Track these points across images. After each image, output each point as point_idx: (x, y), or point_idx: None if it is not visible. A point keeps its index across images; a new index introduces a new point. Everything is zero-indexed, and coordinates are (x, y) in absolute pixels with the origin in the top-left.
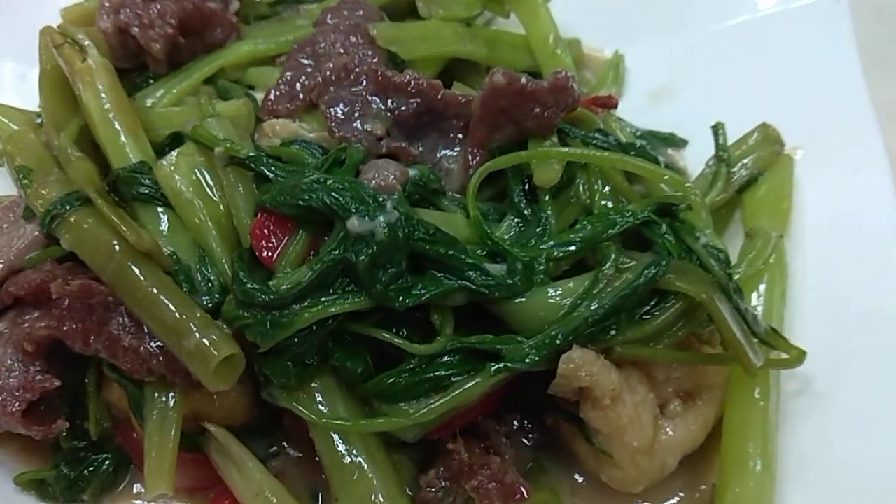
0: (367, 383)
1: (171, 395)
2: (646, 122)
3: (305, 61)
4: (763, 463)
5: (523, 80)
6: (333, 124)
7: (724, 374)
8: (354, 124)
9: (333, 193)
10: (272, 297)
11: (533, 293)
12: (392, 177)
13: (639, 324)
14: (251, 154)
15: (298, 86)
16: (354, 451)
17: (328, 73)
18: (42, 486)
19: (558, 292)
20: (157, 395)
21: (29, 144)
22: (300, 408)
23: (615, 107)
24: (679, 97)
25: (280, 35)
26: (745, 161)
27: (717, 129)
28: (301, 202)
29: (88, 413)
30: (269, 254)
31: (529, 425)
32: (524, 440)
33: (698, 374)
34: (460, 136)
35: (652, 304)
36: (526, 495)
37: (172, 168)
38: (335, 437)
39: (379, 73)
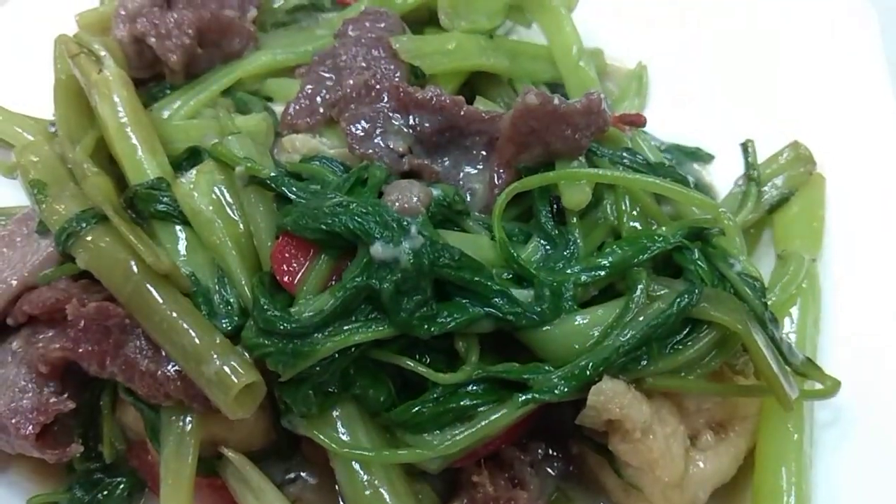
0: (389, 412)
1: (188, 419)
2: (669, 134)
3: (326, 74)
4: (797, 497)
5: (556, 100)
6: (354, 142)
7: (757, 404)
8: (376, 141)
9: (357, 218)
10: (294, 325)
11: (561, 321)
12: (416, 199)
13: (671, 354)
14: (273, 174)
15: (319, 100)
16: (376, 482)
17: (349, 90)
18: None
19: (587, 320)
20: (173, 419)
21: (43, 157)
22: (321, 436)
23: (643, 125)
24: (703, 109)
25: (299, 45)
26: (776, 180)
27: (746, 147)
28: (324, 226)
29: (102, 435)
30: (290, 278)
31: (554, 454)
32: (549, 469)
33: (730, 405)
34: (483, 152)
35: (684, 333)
36: None
37: (191, 186)
38: (356, 466)
39: (401, 89)
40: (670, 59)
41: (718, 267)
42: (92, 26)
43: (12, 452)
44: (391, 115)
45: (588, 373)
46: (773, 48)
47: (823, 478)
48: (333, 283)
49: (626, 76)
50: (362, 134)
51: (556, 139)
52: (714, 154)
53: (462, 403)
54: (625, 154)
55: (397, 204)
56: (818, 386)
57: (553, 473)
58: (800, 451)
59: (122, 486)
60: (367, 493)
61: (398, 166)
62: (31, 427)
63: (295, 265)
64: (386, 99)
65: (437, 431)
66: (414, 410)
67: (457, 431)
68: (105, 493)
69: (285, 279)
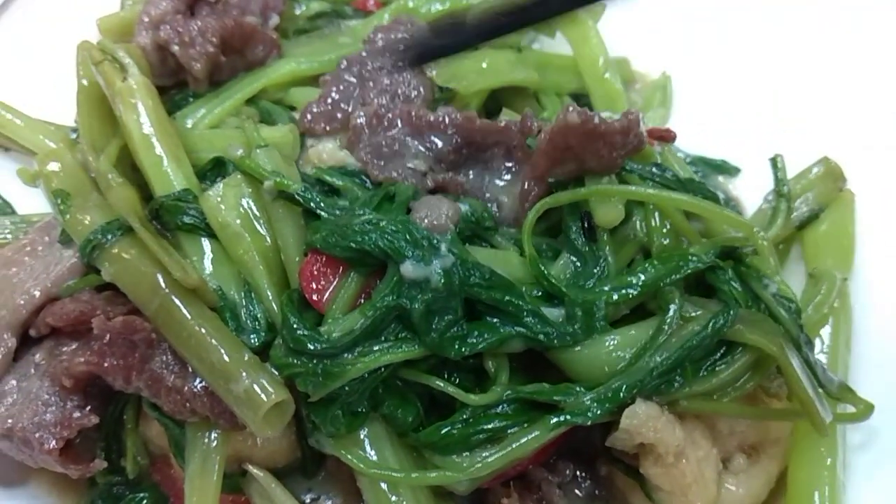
0: (418, 433)
1: (214, 436)
2: (693, 146)
3: (351, 80)
4: None
5: (596, 119)
6: (375, 170)
7: (789, 426)
8: (395, 165)
9: (387, 236)
10: (324, 345)
11: (593, 341)
12: (445, 216)
13: (705, 376)
14: (301, 190)
15: (342, 106)
16: (404, 502)
17: (359, 120)
18: None
19: (620, 341)
20: (199, 435)
21: (66, 165)
22: (349, 456)
23: (673, 140)
24: (728, 121)
25: (323, 54)
26: (806, 196)
27: (776, 162)
28: (353, 244)
29: (125, 449)
30: (319, 297)
31: (582, 475)
32: (576, 490)
33: (763, 428)
34: (506, 163)
35: (719, 355)
36: None
37: (219, 199)
38: (384, 486)
39: (413, 114)
40: (695, 69)
41: (752, 287)
42: (112, 31)
43: (35, 466)
44: (406, 139)
45: (622, 395)
46: (801, 59)
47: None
48: (362, 301)
49: (651, 86)
50: (382, 162)
51: (592, 156)
52: (740, 167)
53: (492, 425)
54: (654, 169)
55: (426, 220)
56: (851, 409)
57: (581, 495)
58: (833, 475)
59: (144, 501)
60: None
61: (423, 184)
62: (53, 442)
63: (324, 283)
64: (399, 124)
65: (467, 453)
66: (443, 432)
67: (486, 453)
68: None
69: (314, 297)
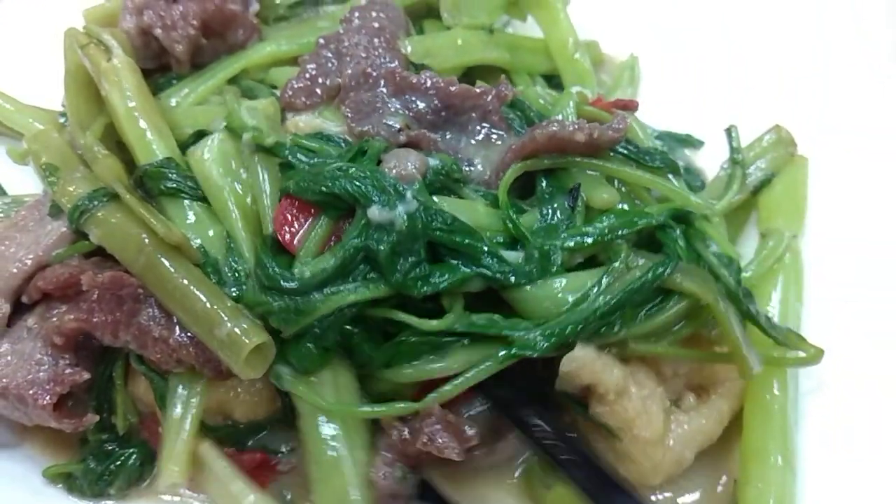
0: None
1: (195, 386)
2: (660, 122)
3: (329, 56)
4: (783, 458)
5: (581, 135)
6: (352, 120)
7: (735, 370)
8: (372, 120)
9: (355, 182)
10: (296, 283)
11: (545, 282)
12: (412, 166)
13: (643, 320)
14: (276, 141)
15: (319, 80)
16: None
17: (348, 79)
18: (70, 479)
19: (568, 283)
20: (180, 386)
21: (53, 143)
22: (308, 392)
23: (636, 110)
24: (692, 97)
25: (302, 37)
26: (759, 163)
27: (730, 132)
28: (324, 188)
29: (115, 407)
30: (291, 238)
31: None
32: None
33: (710, 370)
34: (480, 127)
35: (657, 301)
36: (475, 440)
37: (204, 153)
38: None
39: (396, 74)
40: (660, 51)
41: (696, 247)
42: (98, 22)
43: (30, 424)
44: (388, 98)
45: (567, 332)
46: (755, 36)
47: (811, 442)
48: (332, 243)
49: (619, 67)
50: (360, 116)
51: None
52: (703, 140)
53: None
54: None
55: (394, 171)
56: (802, 354)
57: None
58: (784, 415)
59: (134, 456)
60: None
61: (396, 140)
62: (48, 397)
63: (296, 226)
64: (383, 84)
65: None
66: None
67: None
68: (118, 463)
69: (286, 238)
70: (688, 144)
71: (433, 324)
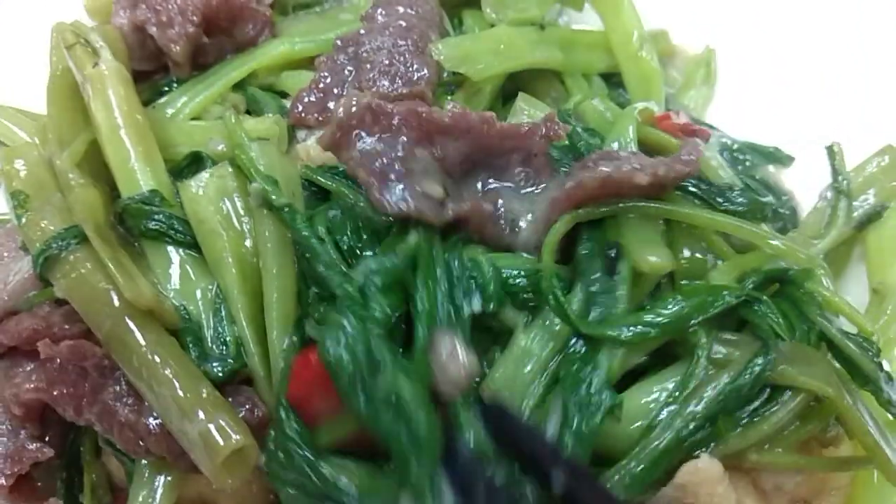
0: None
1: (166, 476)
2: (739, 129)
3: (345, 61)
4: None
5: (638, 177)
6: (377, 192)
7: (849, 474)
8: (404, 190)
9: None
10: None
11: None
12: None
13: (747, 427)
14: (286, 204)
15: (335, 91)
16: None
17: (340, 112)
18: None
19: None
20: (147, 475)
21: (31, 162)
22: None
23: (708, 140)
24: (779, 103)
25: (320, 32)
26: (868, 192)
27: (832, 151)
28: (363, 412)
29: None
30: (309, 420)
31: None
32: None
33: (818, 480)
34: (523, 171)
35: (760, 401)
36: None
37: (200, 190)
38: None
39: (423, 114)
40: (742, 43)
41: (808, 316)
42: (99, 12)
43: None
44: (412, 147)
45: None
46: (864, 35)
47: None
48: None
49: (692, 62)
50: (382, 177)
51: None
52: (794, 156)
53: None
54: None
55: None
56: None
57: None
58: None
59: None
60: None
61: (441, 217)
62: (2, 479)
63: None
64: (402, 128)
65: None
66: None
67: None
68: None
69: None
70: (775, 160)
71: None
